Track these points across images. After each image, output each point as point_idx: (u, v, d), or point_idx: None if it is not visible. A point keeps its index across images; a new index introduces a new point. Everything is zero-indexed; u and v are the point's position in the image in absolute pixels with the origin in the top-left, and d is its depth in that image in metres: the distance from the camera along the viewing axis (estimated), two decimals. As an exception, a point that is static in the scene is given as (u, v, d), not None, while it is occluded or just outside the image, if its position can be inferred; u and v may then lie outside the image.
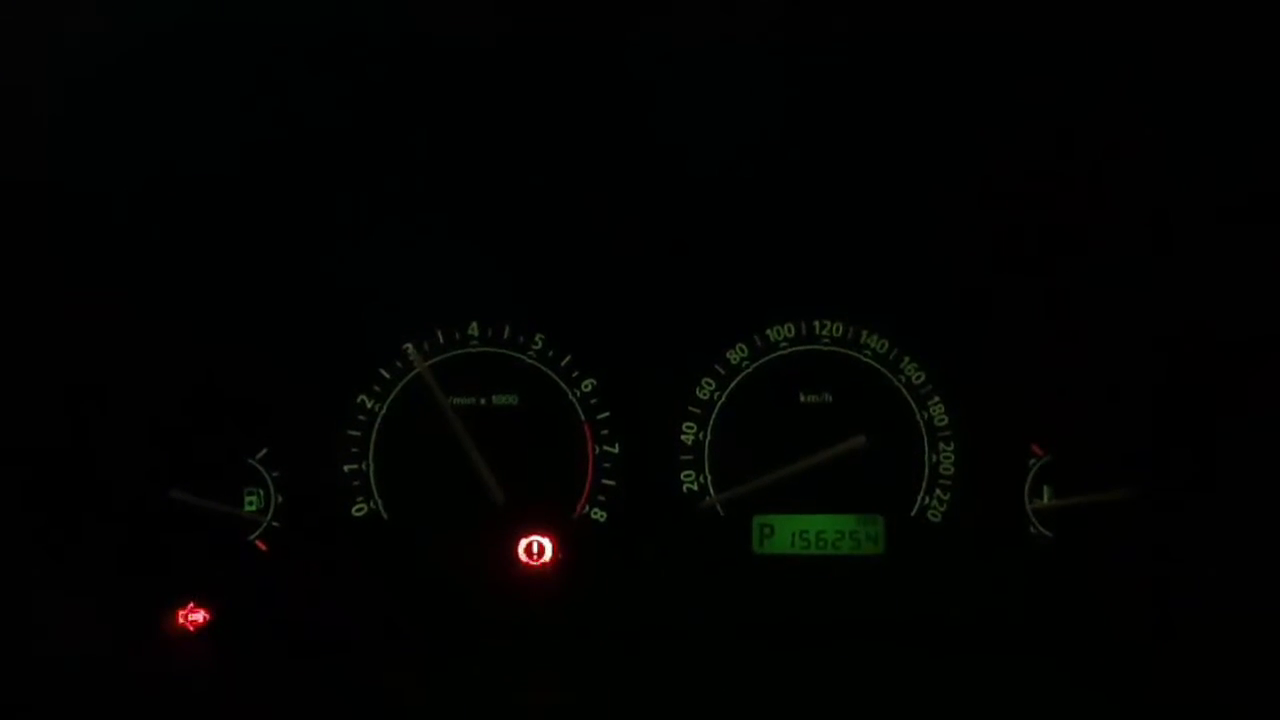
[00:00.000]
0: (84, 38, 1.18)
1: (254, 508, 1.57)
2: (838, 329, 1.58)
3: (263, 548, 1.57)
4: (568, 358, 1.58)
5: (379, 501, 1.58)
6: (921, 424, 1.56)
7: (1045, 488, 1.55)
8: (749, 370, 1.58)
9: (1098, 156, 1.38)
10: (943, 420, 1.56)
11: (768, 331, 1.59)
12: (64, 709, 1.20)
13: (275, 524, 1.57)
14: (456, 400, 1.56)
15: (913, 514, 1.56)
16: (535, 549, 1.55)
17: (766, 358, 1.58)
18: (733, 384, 1.58)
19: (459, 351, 1.59)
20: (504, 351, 1.59)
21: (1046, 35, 1.23)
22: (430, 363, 1.56)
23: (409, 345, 1.57)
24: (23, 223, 1.33)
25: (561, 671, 1.40)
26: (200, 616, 1.52)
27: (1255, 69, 1.22)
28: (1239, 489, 1.41)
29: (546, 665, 1.41)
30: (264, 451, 1.58)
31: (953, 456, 1.56)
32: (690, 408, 1.58)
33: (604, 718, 1.24)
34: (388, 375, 1.58)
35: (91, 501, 1.48)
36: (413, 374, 1.57)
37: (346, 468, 1.58)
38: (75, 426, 1.46)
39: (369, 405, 1.58)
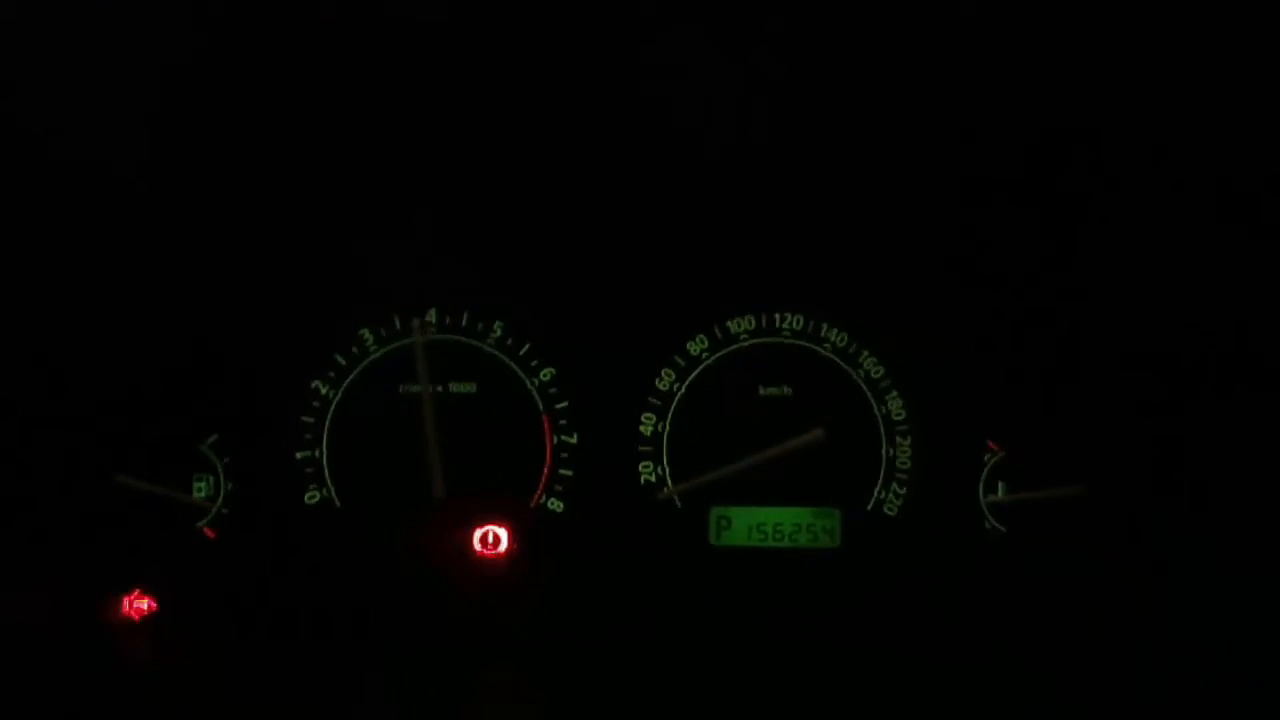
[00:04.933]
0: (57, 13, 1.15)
1: (203, 494, 1.55)
2: (798, 322, 1.58)
3: (211, 535, 1.54)
4: (526, 346, 1.57)
5: (331, 489, 1.56)
6: (879, 418, 1.57)
7: (1000, 483, 1.56)
8: (709, 362, 1.58)
9: (1056, 156, 1.40)
10: (900, 414, 1.57)
11: (728, 323, 1.58)
12: (4, 697, 1.17)
13: (224, 511, 1.55)
14: (414, 388, 1.54)
15: (869, 508, 1.56)
16: (490, 538, 1.54)
17: (726, 350, 1.58)
18: (692, 375, 1.58)
19: (417, 338, 1.57)
20: (462, 339, 1.57)
21: (1009, 34, 1.24)
22: (423, 339, 1.54)
23: (365, 330, 1.55)
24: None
25: (516, 661, 1.39)
26: (146, 604, 1.49)
27: (1214, 79, 1.23)
28: (1191, 485, 1.43)
29: (501, 655, 1.40)
30: (214, 437, 1.55)
31: (909, 451, 1.56)
32: (649, 398, 1.57)
33: (559, 707, 1.23)
34: (342, 361, 1.56)
35: (35, 485, 1.45)
36: (367, 360, 1.56)
37: (299, 454, 1.55)
38: (20, 408, 1.43)
39: (322, 391, 1.56)
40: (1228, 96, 1.23)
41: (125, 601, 1.48)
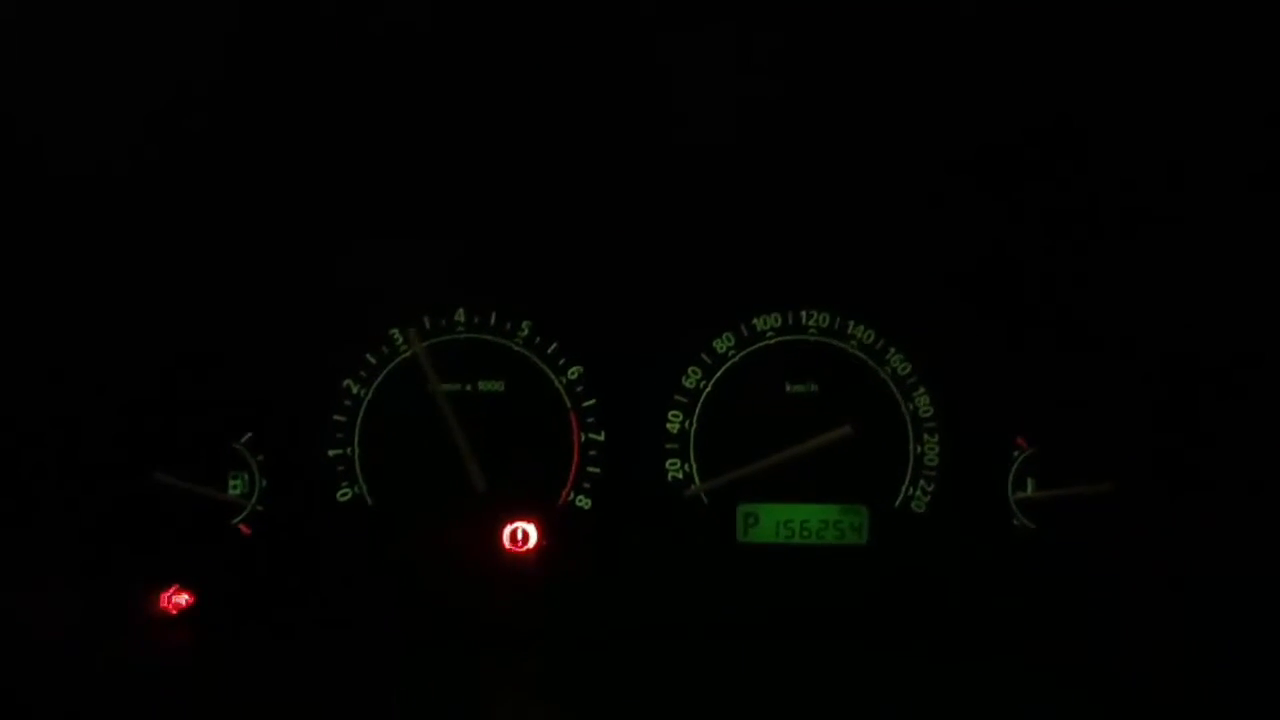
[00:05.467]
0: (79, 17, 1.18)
1: (238, 491, 1.57)
2: (824, 319, 1.58)
3: (246, 531, 1.57)
4: (554, 345, 1.58)
5: (363, 486, 1.58)
6: (907, 415, 1.57)
7: (1029, 479, 1.55)
8: (735, 359, 1.58)
9: (1083, 151, 1.39)
10: (928, 411, 1.57)
11: (754, 321, 1.59)
12: (45, 691, 1.20)
13: (259, 508, 1.57)
14: (444, 387, 1.56)
15: (896, 504, 1.56)
16: (520, 535, 1.55)
17: (753, 347, 1.58)
18: (719, 373, 1.58)
19: (446, 337, 1.58)
20: (491, 338, 1.59)
21: (1033, 28, 1.23)
22: (425, 344, 1.56)
23: (395, 329, 1.57)
24: (8, 205, 1.33)
25: (545, 656, 1.40)
26: (183, 599, 1.51)
27: (1237, 72, 1.22)
28: (1221, 483, 1.41)
29: (529, 651, 1.42)
30: (248, 435, 1.57)
31: (937, 447, 1.56)
32: (676, 396, 1.58)
33: (587, 702, 1.24)
34: (373, 360, 1.58)
35: (76, 484, 1.48)
36: (398, 360, 1.57)
37: (331, 452, 1.57)
38: (60, 409, 1.46)
39: (354, 390, 1.58)
40: (1248, 86, 1.22)
41: (163, 596, 1.51)
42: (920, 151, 1.42)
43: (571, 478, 1.57)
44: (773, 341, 1.58)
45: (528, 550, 1.55)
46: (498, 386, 1.58)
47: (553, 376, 1.58)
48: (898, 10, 1.20)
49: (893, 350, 1.57)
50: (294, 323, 1.56)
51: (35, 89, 1.26)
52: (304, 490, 1.57)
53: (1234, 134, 1.29)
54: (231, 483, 1.57)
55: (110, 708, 1.18)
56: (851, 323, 1.58)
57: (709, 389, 1.58)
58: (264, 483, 1.57)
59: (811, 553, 1.55)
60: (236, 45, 1.27)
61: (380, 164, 1.46)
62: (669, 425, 1.58)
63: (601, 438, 1.58)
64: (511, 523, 1.55)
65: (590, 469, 1.57)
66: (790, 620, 1.46)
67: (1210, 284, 1.40)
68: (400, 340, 1.58)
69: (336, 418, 1.58)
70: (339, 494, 1.58)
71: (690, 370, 1.58)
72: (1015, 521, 1.55)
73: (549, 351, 1.58)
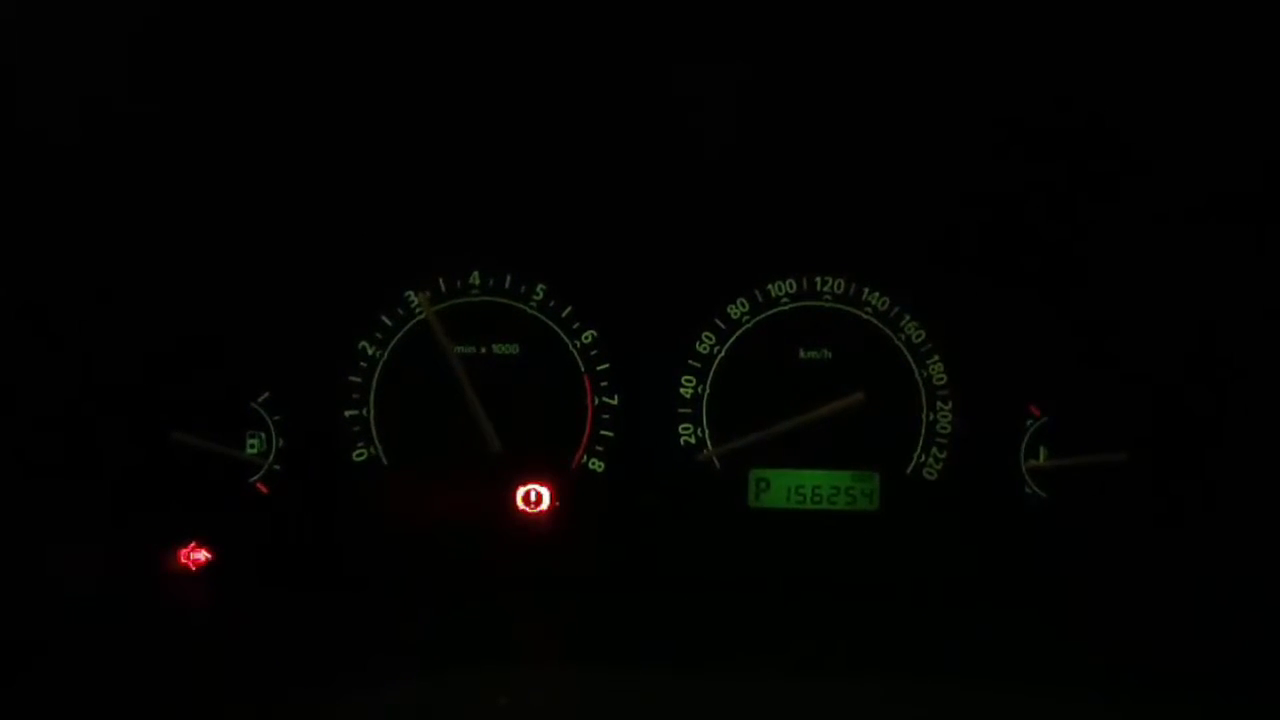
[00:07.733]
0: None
1: (255, 451, 1.59)
2: (839, 286, 1.58)
3: (264, 490, 1.59)
4: (569, 308, 1.59)
5: (379, 447, 1.59)
6: (920, 382, 1.57)
7: (1041, 448, 1.55)
8: (749, 325, 1.58)
9: (1100, 119, 1.37)
10: (941, 379, 1.56)
11: (769, 287, 1.58)
12: (68, 646, 1.22)
13: (276, 467, 1.59)
14: (458, 349, 1.57)
15: (908, 471, 1.56)
16: (533, 497, 1.57)
17: (767, 313, 1.58)
18: (733, 338, 1.58)
19: (460, 300, 1.59)
20: (505, 301, 1.59)
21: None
22: (436, 308, 1.56)
23: (410, 291, 1.58)
24: (27, 165, 1.33)
25: (556, 619, 1.42)
26: (202, 556, 1.54)
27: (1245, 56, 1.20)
28: (1233, 452, 1.41)
29: (541, 612, 1.43)
30: (266, 395, 1.59)
31: (950, 415, 1.56)
32: (690, 361, 1.58)
33: (597, 665, 1.25)
34: (389, 322, 1.59)
35: (95, 443, 1.49)
36: (414, 321, 1.58)
37: (347, 413, 1.59)
38: (80, 368, 1.48)
39: (370, 351, 1.59)
40: (1260, 62, 1.20)
41: (182, 553, 1.54)
42: (936, 119, 1.41)
43: (585, 441, 1.58)
44: (787, 307, 1.58)
45: (541, 512, 1.57)
46: (512, 349, 1.59)
47: (567, 340, 1.59)
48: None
49: (907, 318, 1.57)
50: (310, 285, 1.57)
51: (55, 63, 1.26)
52: (320, 450, 1.59)
53: (1251, 102, 1.27)
54: (249, 442, 1.59)
55: (130, 663, 1.20)
56: (866, 289, 1.57)
57: (723, 354, 1.58)
58: (281, 442, 1.59)
59: (822, 518, 1.56)
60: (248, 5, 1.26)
61: (397, 126, 1.46)
62: (682, 390, 1.58)
63: (615, 401, 1.58)
64: (525, 485, 1.57)
65: (603, 432, 1.58)
66: (800, 584, 1.47)
67: (1225, 254, 1.38)
68: (415, 302, 1.58)
69: (352, 379, 1.59)
70: (355, 454, 1.59)
71: (704, 335, 1.58)
72: (1027, 490, 1.55)
73: (563, 315, 1.59)
